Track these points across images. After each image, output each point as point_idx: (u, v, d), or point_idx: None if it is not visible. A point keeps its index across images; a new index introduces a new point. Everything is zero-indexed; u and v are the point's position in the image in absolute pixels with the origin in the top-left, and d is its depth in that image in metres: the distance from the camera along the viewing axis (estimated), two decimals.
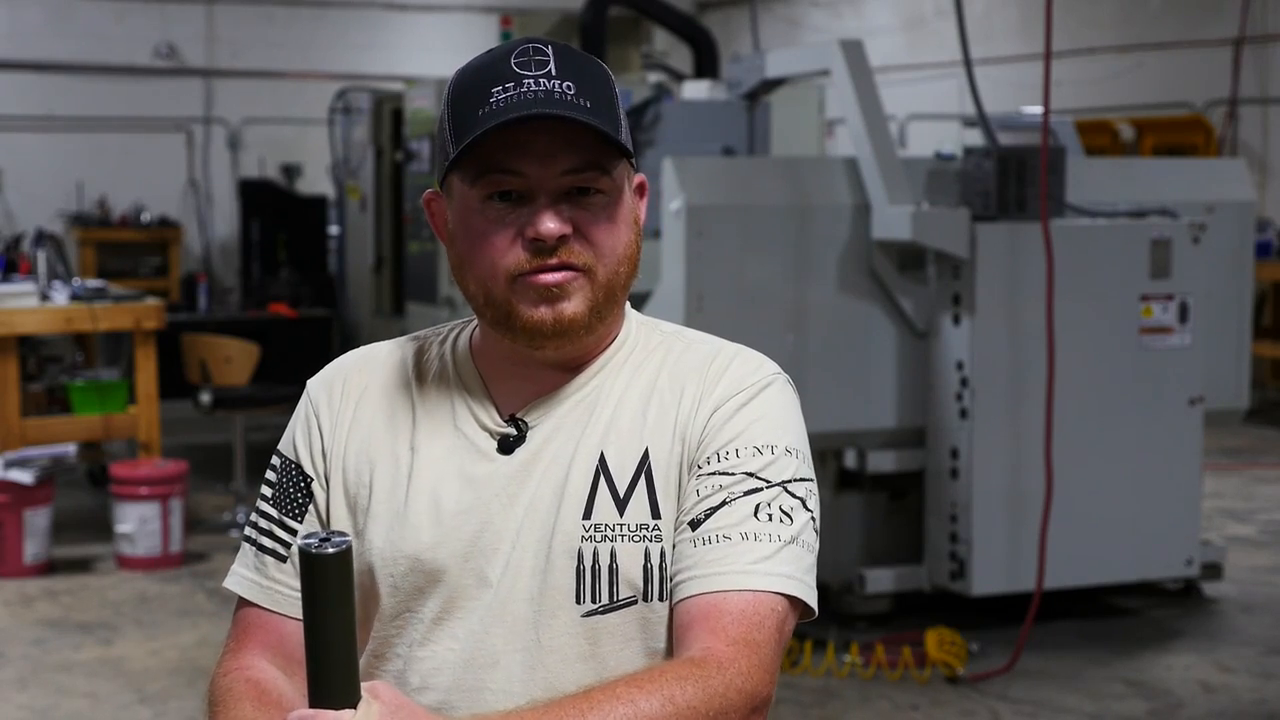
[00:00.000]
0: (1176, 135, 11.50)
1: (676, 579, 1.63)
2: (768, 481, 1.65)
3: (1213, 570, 6.18)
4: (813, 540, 1.66)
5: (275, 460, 1.78)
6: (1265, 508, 8.01)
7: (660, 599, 1.65)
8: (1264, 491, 8.42)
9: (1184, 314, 5.75)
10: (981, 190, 5.56)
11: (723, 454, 1.66)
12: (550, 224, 1.60)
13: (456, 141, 1.62)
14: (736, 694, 1.54)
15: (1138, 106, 11.92)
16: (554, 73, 1.60)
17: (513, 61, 1.61)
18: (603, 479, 1.66)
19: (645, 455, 1.67)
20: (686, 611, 1.61)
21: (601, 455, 1.67)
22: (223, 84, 14.05)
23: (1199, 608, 6.08)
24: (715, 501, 1.63)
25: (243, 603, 1.76)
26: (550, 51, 1.62)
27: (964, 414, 5.57)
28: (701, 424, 1.67)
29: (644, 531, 1.65)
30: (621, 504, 1.66)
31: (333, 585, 1.36)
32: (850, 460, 5.82)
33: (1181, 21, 11.86)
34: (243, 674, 1.69)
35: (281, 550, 1.74)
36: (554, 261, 1.62)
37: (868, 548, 5.94)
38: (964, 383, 5.56)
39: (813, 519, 1.67)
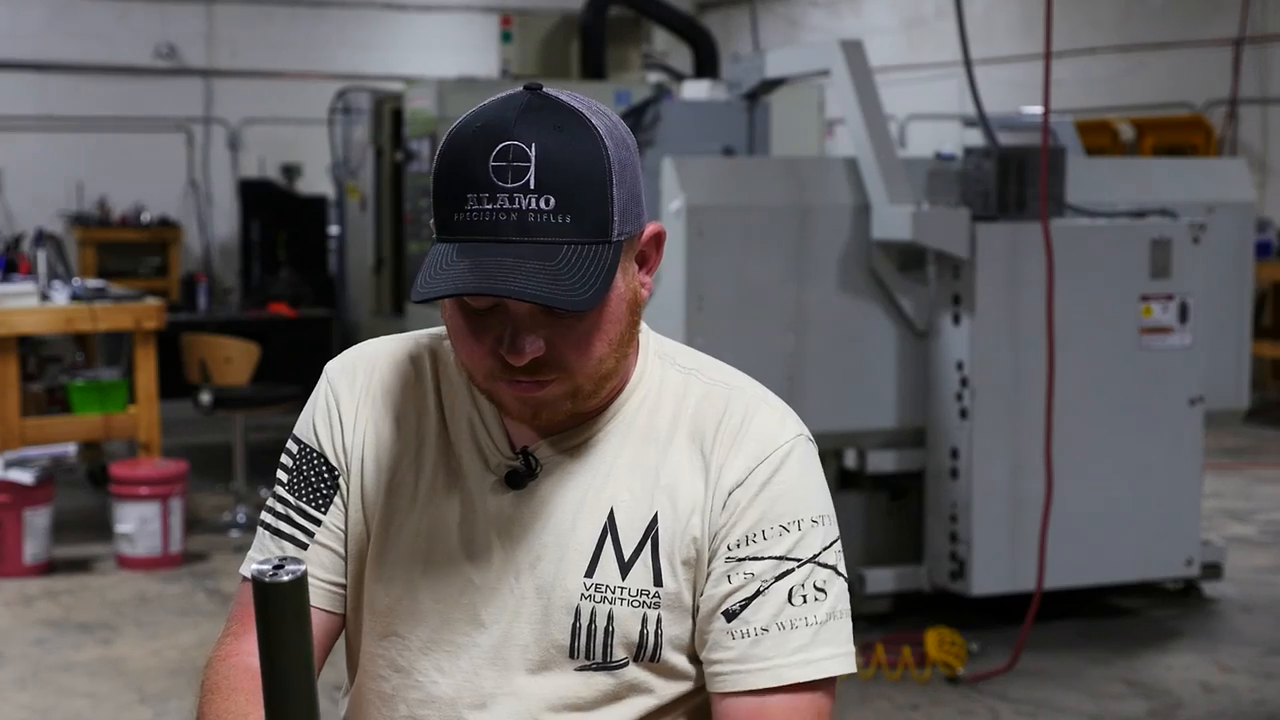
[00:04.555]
0: (1176, 135, 11.50)
1: (715, 669, 1.62)
2: (798, 560, 1.62)
3: (1213, 570, 6.18)
4: (847, 605, 1.66)
5: (292, 445, 1.75)
6: (1265, 508, 8.01)
7: (652, 660, 1.64)
8: (1264, 491, 8.42)
9: (1184, 314, 5.75)
10: (981, 190, 5.56)
11: (751, 538, 1.62)
12: (523, 349, 1.53)
13: (436, 224, 1.55)
14: None
15: (1138, 106, 11.92)
16: (532, 185, 1.49)
17: (491, 164, 1.50)
18: (609, 538, 1.64)
19: (654, 520, 1.64)
20: (730, 715, 1.62)
21: (611, 512, 1.64)
22: (223, 84, 14.05)
23: (1199, 608, 6.08)
24: (749, 592, 1.62)
25: (248, 588, 1.74)
26: (533, 155, 1.50)
27: (964, 414, 5.57)
28: (721, 500, 1.63)
29: (644, 598, 1.63)
30: (625, 567, 1.63)
31: (289, 613, 1.33)
32: (850, 460, 5.82)
33: (1181, 21, 11.87)
34: (241, 660, 1.67)
35: (301, 538, 1.71)
36: (526, 379, 1.57)
37: (868, 548, 5.94)
38: (964, 383, 5.56)
39: (844, 579, 1.66)
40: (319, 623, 1.70)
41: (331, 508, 1.72)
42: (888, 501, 6.00)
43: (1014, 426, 5.56)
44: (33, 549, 6.54)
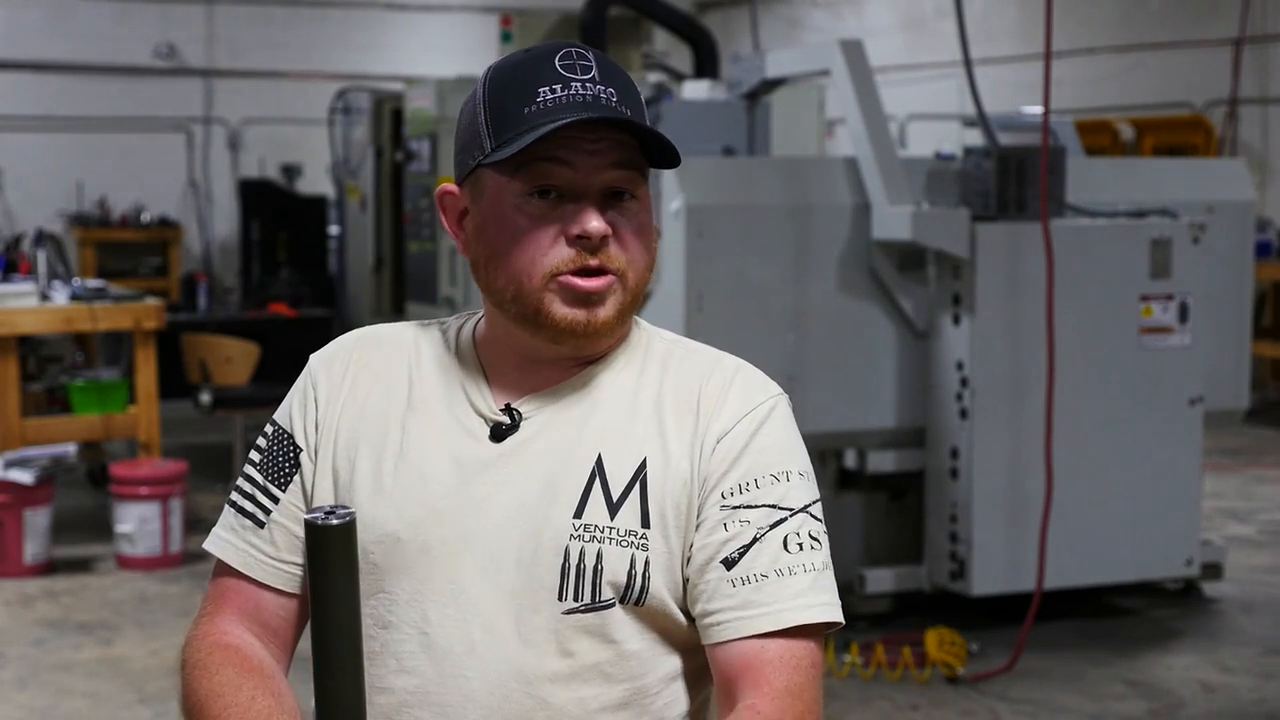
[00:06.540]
0: (1176, 135, 11.50)
1: (714, 618, 1.65)
2: (790, 510, 1.68)
3: (1213, 570, 6.18)
4: (830, 559, 1.71)
5: (268, 428, 1.79)
6: (1265, 508, 8.01)
7: (637, 603, 1.67)
8: (1264, 491, 8.42)
9: (1184, 314, 5.75)
10: (981, 190, 5.56)
11: (744, 486, 1.68)
12: (596, 222, 1.63)
13: (496, 135, 1.64)
14: None
15: (1138, 106, 11.92)
16: (598, 79, 1.65)
17: (558, 64, 1.64)
18: (598, 480, 1.67)
19: (643, 465, 1.68)
20: (729, 663, 1.64)
21: (599, 456, 1.68)
22: (223, 84, 14.05)
23: (1199, 608, 6.08)
24: (746, 539, 1.66)
25: (220, 566, 1.77)
26: (592, 58, 1.66)
27: (964, 414, 5.56)
28: (710, 448, 1.69)
29: (632, 538, 1.66)
30: (614, 508, 1.67)
31: (338, 557, 1.41)
32: (850, 460, 5.82)
33: (1181, 21, 11.87)
34: (220, 639, 1.70)
35: (260, 516, 1.74)
36: (595, 263, 1.65)
37: (868, 548, 5.94)
38: (964, 383, 5.56)
39: (827, 537, 1.72)
40: (275, 604, 1.74)
41: (291, 486, 1.75)
42: (888, 501, 6.00)
43: (1014, 426, 5.56)
44: (33, 549, 6.54)
